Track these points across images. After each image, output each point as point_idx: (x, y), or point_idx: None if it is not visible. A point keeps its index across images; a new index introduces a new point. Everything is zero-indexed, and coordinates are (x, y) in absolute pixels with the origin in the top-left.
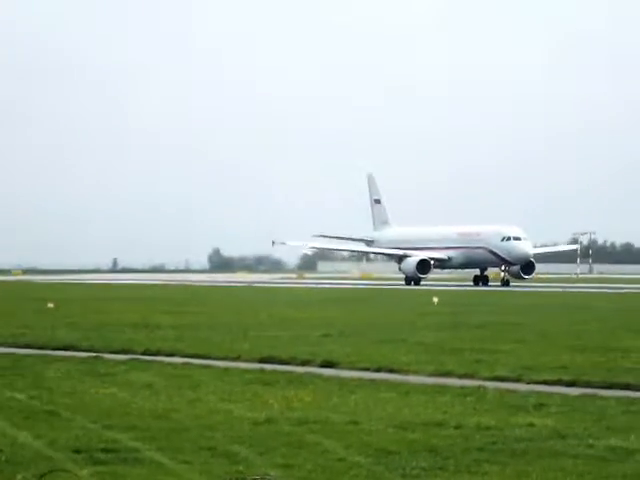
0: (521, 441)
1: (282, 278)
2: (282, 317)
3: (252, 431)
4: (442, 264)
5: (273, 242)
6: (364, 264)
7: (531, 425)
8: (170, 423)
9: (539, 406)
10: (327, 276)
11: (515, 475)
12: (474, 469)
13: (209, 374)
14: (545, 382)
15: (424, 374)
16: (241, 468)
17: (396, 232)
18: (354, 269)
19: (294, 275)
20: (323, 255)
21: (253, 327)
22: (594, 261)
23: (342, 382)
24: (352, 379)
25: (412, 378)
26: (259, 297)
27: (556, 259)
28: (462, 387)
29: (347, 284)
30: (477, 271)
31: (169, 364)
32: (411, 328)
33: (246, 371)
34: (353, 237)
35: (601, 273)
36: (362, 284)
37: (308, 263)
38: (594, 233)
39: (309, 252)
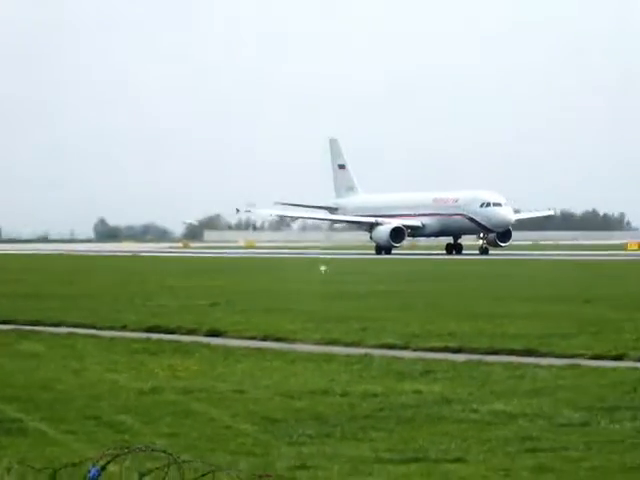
0: (408, 408)
1: (169, 247)
2: (169, 286)
3: (137, 400)
4: (415, 232)
5: (237, 209)
6: (250, 233)
7: (418, 392)
8: (54, 393)
9: (425, 373)
10: (214, 245)
11: (402, 441)
12: (361, 436)
13: (95, 344)
14: (432, 349)
15: (310, 342)
16: (127, 437)
17: (364, 199)
18: (240, 238)
19: (180, 244)
20: (209, 224)
21: (139, 296)
22: None
23: (228, 351)
24: (239, 348)
25: (299, 346)
26: (145, 266)
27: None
28: (348, 355)
29: (235, 253)
30: (450, 239)
31: (54, 334)
32: (299, 297)
33: (132, 340)
34: (316, 205)
35: None
36: (253, 253)
37: (194, 232)
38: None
39: (195, 222)
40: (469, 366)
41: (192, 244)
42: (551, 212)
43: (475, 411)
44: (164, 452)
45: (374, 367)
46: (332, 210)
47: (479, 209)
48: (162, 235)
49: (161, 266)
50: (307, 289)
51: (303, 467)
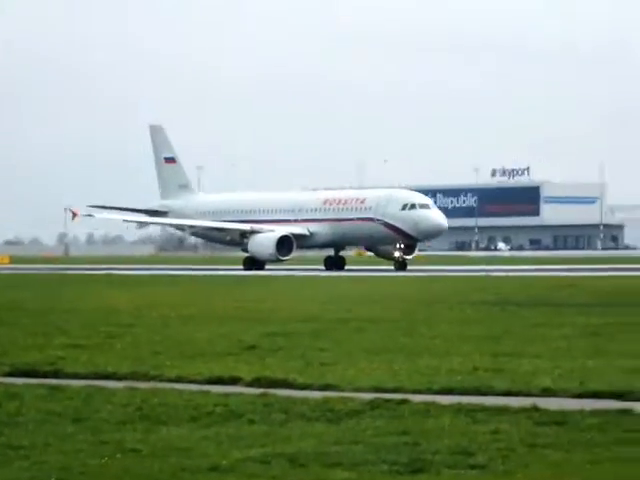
0: None
1: None
2: None
3: None
4: (300, 242)
5: (73, 213)
6: None
7: None
8: None
9: None
10: None
11: None
12: None
13: None
14: None
15: None
16: None
17: (213, 199)
18: None
19: None
20: None
21: None
22: None
23: None
24: None
25: None
26: None
27: None
28: None
29: None
30: (331, 251)
31: None
32: None
33: None
34: (136, 208)
35: None
36: None
37: None
38: None
39: None
40: None
41: None
42: None
43: None
44: None
45: None
46: (159, 214)
47: (401, 212)
48: None
49: None
50: None
51: None
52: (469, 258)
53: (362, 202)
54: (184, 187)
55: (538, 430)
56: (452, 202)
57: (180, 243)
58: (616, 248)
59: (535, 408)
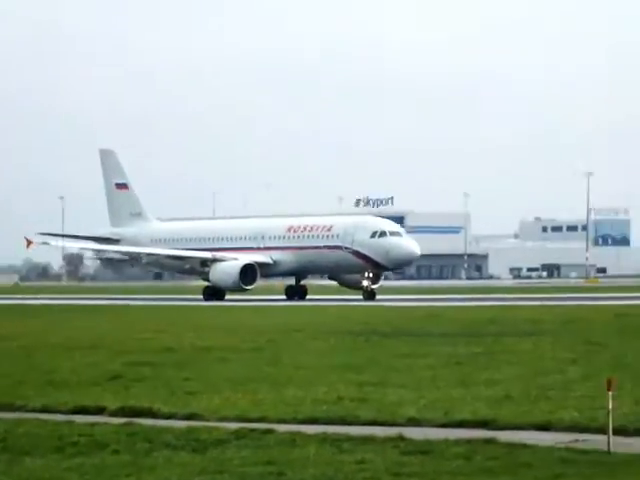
0: None
1: None
2: None
3: None
4: (264, 271)
5: (28, 241)
6: None
7: None
8: None
9: None
10: None
11: None
12: None
13: None
14: None
15: None
16: None
17: (168, 227)
18: None
19: None
20: None
21: None
22: None
23: None
24: None
25: None
26: None
27: None
28: None
29: None
30: (292, 280)
31: None
32: None
33: None
34: (83, 235)
35: None
36: None
37: None
38: None
39: None
40: None
41: None
42: None
43: None
44: None
45: None
46: (111, 241)
47: (371, 240)
48: None
49: None
50: None
51: None
52: (332, 287)
53: (329, 229)
54: (137, 215)
55: (404, 459)
56: None
57: (44, 272)
58: (480, 278)
59: (401, 437)
